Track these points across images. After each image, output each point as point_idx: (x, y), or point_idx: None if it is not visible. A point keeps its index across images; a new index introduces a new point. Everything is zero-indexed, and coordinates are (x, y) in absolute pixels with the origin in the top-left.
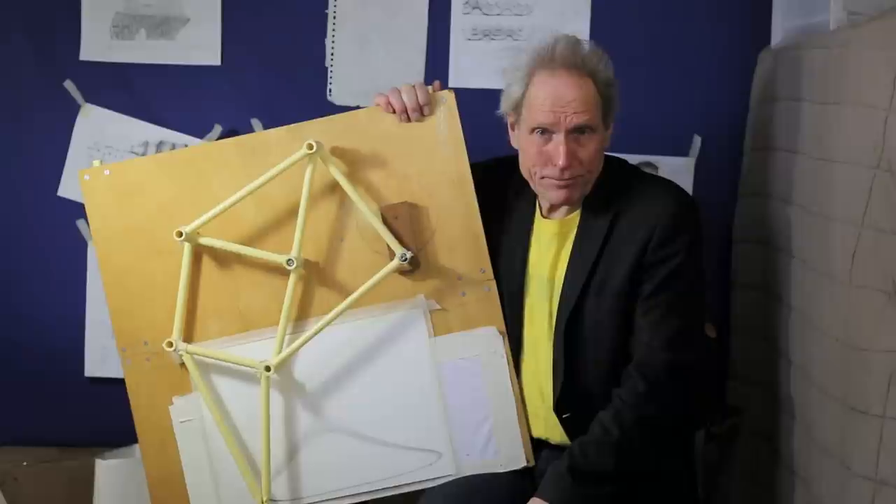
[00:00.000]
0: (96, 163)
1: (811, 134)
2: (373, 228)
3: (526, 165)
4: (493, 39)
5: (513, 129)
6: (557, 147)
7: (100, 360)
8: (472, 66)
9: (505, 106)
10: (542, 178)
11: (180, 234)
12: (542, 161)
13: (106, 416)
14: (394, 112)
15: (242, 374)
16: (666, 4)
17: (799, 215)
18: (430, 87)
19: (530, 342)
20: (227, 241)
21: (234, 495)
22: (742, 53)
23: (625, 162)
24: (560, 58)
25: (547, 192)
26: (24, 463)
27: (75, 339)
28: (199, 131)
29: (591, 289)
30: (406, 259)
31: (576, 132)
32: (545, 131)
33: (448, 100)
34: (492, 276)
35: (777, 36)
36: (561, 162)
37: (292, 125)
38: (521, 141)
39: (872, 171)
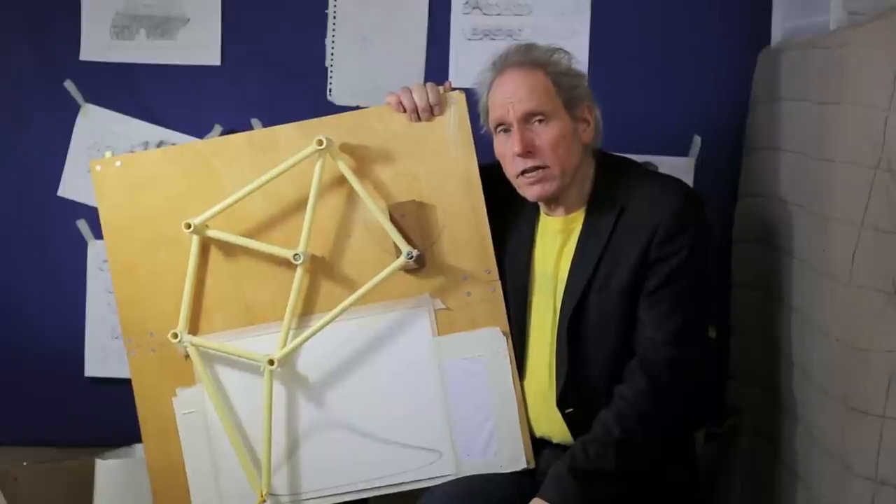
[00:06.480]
0: (108, 154)
1: (811, 134)
2: (380, 226)
3: (505, 171)
4: (493, 39)
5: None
6: (514, 137)
7: (100, 360)
8: (472, 66)
9: (481, 119)
10: (517, 177)
11: (189, 226)
12: (510, 157)
13: (106, 416)
14: (404, 111)
15: (246, 367)
16: (666, 4)
17: (799, 215)
18: (440, 88)
19: (534, 339)
20: (235, 235)
21: (235, 488)
22: (742, 53)
23: (629, 160)
24: (511, 60)
25: (524, 192)
26: (24, 463)
27: (75, 339)
28: (199, 131)
29: (595, 284)
30: (412, 257)
31: (528, 121)
32: (505, 129)
33: (458, 101)
34: (497, 276)
35: (777, 36)
36: (516, 148)
37: (302, 122)
38: (495, 147)
39: (872, 171)
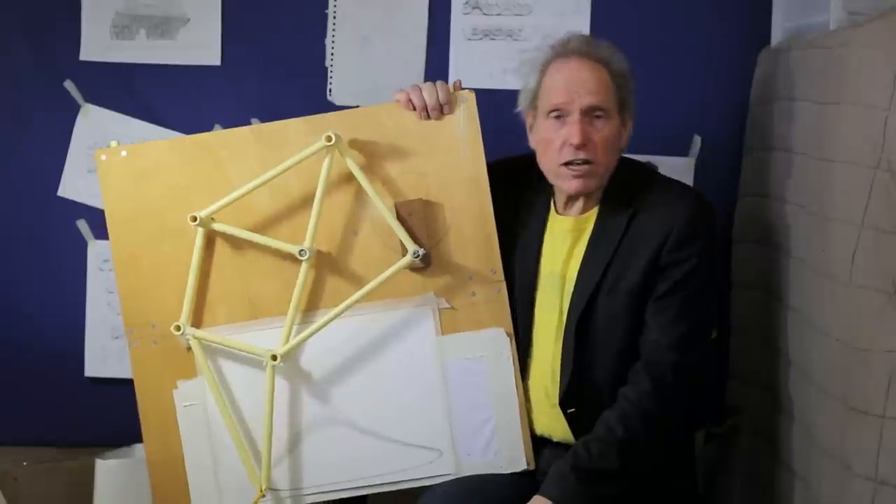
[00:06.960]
0: (113, 143)
1: (811, 134)
2: (386, 223)
3: (545, 157)
4: (493, 39)
5: (530, 130)
6: (573, 126)
7: (100, 360)
8: (471, 66)
9: (522, 101)
10: (560, 166)
11: (194, 219)
12: (559, 144)
13: (106, 416)
14: (414, 109)
15: (248, 361)
16: (666, 4)
17: (799, 215)
18: (451, 86)
19: (538, 337)
20: (241, 229)
21: (234, 482)
22: (742, 53)
23: (643, 164)
24: (574, 48)
25: (564, 183)
26: (24, 463)
27: (75, 339)
28: (199, 131)
29: (604, 286)
30: (418, 256)
31: (590, 114)
32: (560, 115)
33: (469, 100)
34: (502, 277)
35: (777, 36)
36: (576, 140)
37: (310, 116)
38: (539, 131)
39: (872, 171)
